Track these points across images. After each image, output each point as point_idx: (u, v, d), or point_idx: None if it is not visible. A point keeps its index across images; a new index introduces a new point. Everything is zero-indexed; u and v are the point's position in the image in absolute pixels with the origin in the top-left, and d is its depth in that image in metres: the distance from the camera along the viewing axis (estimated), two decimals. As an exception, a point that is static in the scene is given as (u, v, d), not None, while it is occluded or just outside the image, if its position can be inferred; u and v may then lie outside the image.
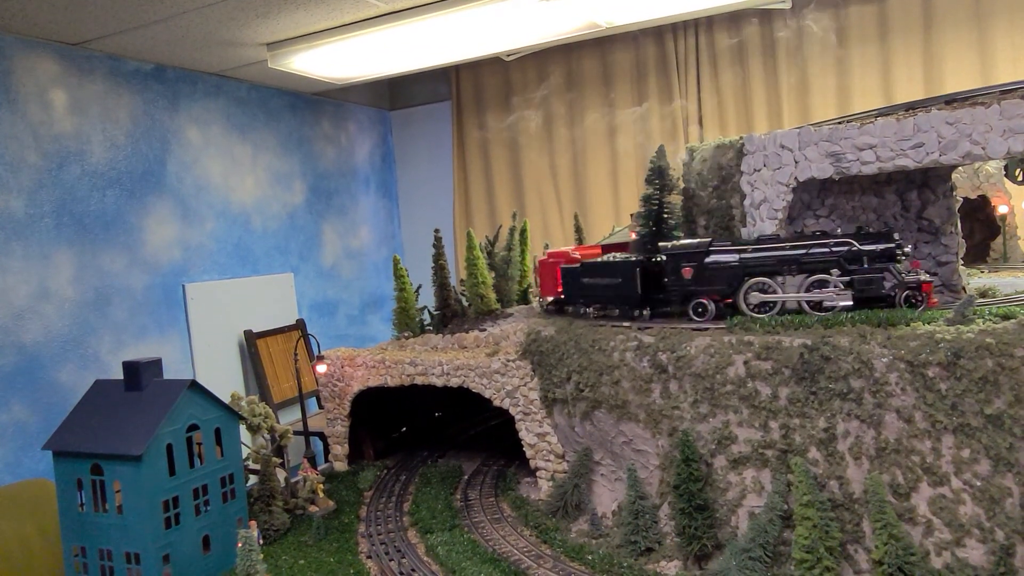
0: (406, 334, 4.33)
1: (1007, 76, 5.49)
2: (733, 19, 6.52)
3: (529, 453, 3.45)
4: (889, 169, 2.74)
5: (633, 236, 3.64)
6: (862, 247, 2.71)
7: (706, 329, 2.89)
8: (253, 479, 3.54)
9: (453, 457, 4.24)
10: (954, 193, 3.34)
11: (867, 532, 2.39)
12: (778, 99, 6.42)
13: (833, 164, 2.83)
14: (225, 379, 6.07)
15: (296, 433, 4.19)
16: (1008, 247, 4.53)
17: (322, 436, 4.90)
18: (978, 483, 2.25)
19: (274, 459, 3.53)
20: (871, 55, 6.06)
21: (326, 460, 4.34)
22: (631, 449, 3.02)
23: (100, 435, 2.79)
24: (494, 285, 4.40)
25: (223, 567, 2.97)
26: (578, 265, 3.44)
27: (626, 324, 3.15)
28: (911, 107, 2.96)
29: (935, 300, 2.73)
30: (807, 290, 2.76)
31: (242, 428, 3.32)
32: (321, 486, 3.65)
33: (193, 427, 2.91)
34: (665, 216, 3.42)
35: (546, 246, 4.78)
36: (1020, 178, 4.31)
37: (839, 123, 2.92)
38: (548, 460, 3.39)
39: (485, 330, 4.03)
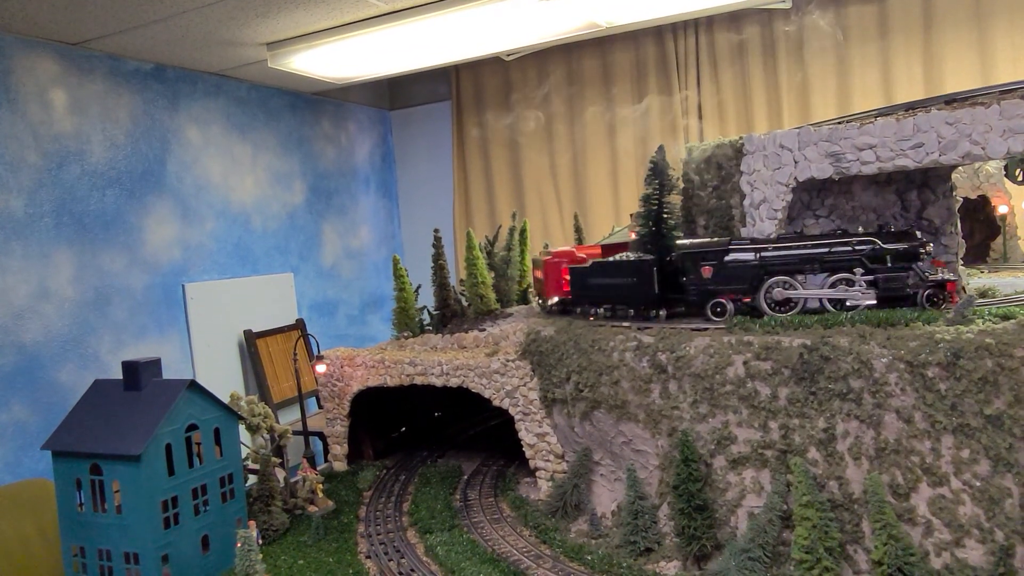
0: (405, 334, 4.33)
1: (1007, 76, 5.48)
2: (733, 19, 6.52)
3: (528, 453, 3.44)
4: (889, 169, 2.74)
5: (633, 236, 3.64)
6: (886, 246, 2.70)
7: (705, 329, 2.89)
8: (252, 479, 3.54)
9: (452, 457, 4.23)
10: (954, 193, 3.34)
11: (866, 532, 2.39)
12: (778, 99, 6.42)
13: (833, 164, 2.83)
14: (225, 379, 6.07)
15: (295, 433, 4.19)
16: (1008, 247, 4.53)
17: (321, 436, 4.90)
18: (978, 483, 2.25)
19: (273, 459, 3.53)
20: (871, 55, 6.06)
21: (325, 460, 4.34)
22: (630, 449, 3.02)
23: (99, 435, 2.79)
24: (494, 285, 4.40)
25: (222, 567, 2.96)
26: (588, 264, 3.40)
27: (646, 325, 3.08)
28: (911, 107, 2.95)
29: (957, 299, 2.72)
30: (830, 288, 2.74)
31: (241, 428, 3.32)
32: (320, 486, 3.65)
33: (192, 427, 2.91)
34: (665, 216, 3.41)
35: (545, 246, 4.78)
36: (1020, 178, 4.31)
37: (839, 123, 2.92)
38: (547, 460, 3.39)
39: (484, 330, 4.03)
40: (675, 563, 2.70)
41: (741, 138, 3.15)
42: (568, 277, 3.54)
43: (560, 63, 7.33)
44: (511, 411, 3.45)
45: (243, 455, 3.29)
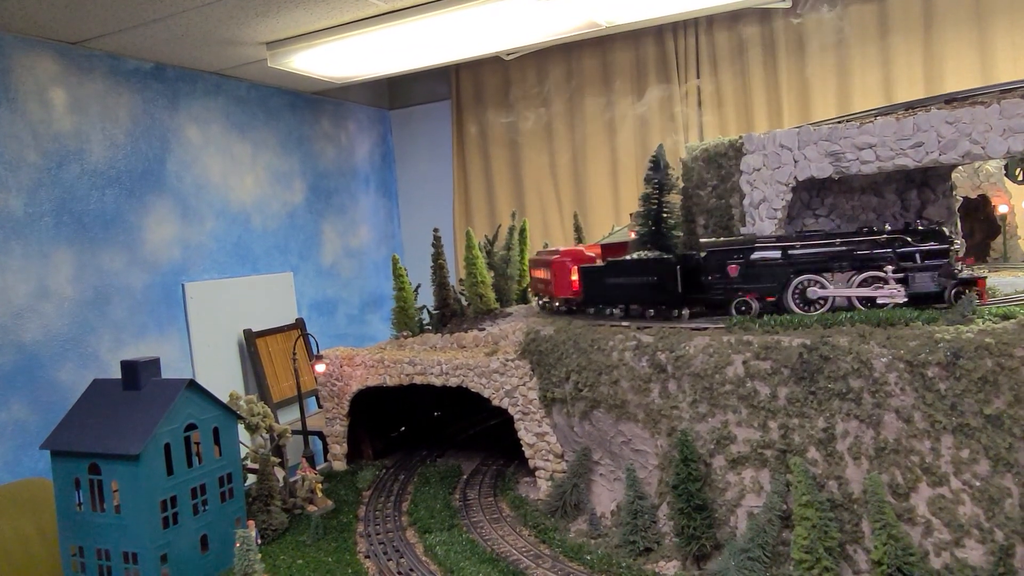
0: (405, 333, 4.33)
1: (1007, 75, 5.48)
2: (733, 18, 6.52)
3: (528, 453, 3.44)
4: (889, 168, 2.74)
5: (632, 235, 3.63)
6: (916, 243, 2.69)
7: (704, 329, 2.88)
8: (251, 478, 3.54)
9: (452, 457, 4.23)
10: (954, 192, 3.34)
11: (866, 532, 2.38)
12: (778, 98, 6.42)
13: (832, 163, 2.82)
14: (224, 378, 6.07)
15: (295, 432, 4.19)
16: (1008, 247, 4.52)
17: (321, 435, 4.90)
18: (977, 483, 2.24)
19: (272, 458, 3.52)
20: (871, 54, 6.06)
21: (325, 459, 4.33)
22: (630, 449, 3.01)
23: (98, 434, 2.78)
24: (493, 284, 4.39)
25: (221, 567, 2.96)
26: (604, 264, 3.34)
27: (671, 325, 3.03)
28: (911, 106, 2.95)
29: (987, 297, 2.70)
30: (859, 286, 2.72)
31: (240, 427, 3.31)
32: (320, 485, 3.64)
33: (191, 426, 2.91)
34: (664, 215, 3.41)
35: (545, 245, 4.78)
36: (1020, 177, 4.30)
37: (839, 122, 2.91)
38: (547, 460, 3.39)
39: (484, 330, 4.02)
40: (674, 563, 2.70)
41: (741, 137, 3.15)
42: (580, 277, 3.48)
43: (560, 62, 7.33)
44: (510, 410, 3.45)
45: (242, 455, 3.28)
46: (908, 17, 5.90)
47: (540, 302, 4.04)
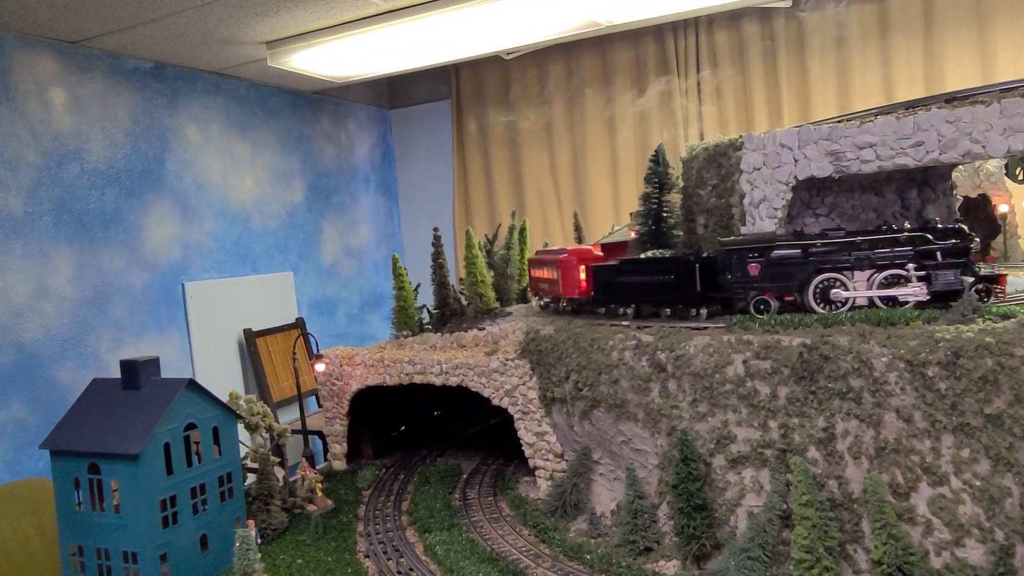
0: (405, 333, 4.33)
1: (1008, 74, 5.48)
2: (733, 17, 6.52)
3: (528, 452, 3.44)
4: (889, 168, 2.73)
5: (632, 235, 3.63)
6: (938, 241, 2.68)
7: (704, 328, 2.88)
8: (251, 478, 3.54)
9: (452, 456, 4.23)
10: (954, 192, 3.33)
11: (866, 532, 2.38)
12: (778, 97, 6.42)
13: (833, 163, 2.82)
14: (224, 378, 6.06)
15: (294, 432, 4.18)
16: (1008, 246, 4.52)
17: (321, 435, 4.90)
18: (978, 483, 2.24)
19: (272, 458, 3.52)
20: (871, 53, 6.06)
21: (325, 459, 4.33)
22: (630, 448, 3.01)
23: (97, 434, 2.78)
24: (493, 284, 4.39)
25: (221, 566, 2.96)
26: (616, 262, 3.30)
27: (691, 325, 3.00)
28: (911, 105, 2.95)
29: (1005, 295, 2.70)
30: (881, 285, 2.71)
31: (240, 427, 3.31)
32: (319, 485, 3.64)
33: (191, 426, 2.91)
34: (664, 215, 3.41)
35: (545, 244, 4.78)
36: (1021, 177, 4.30)
37: (839, 122, 2.91)
38: (547, 459, 3.39)
39: (484, 329, 4.02)
40: (674, 562, 2.70)
41: (741, 136, 3.14)
42: (590, 276, 3.44)
43: (560, 62, 7.32)
44: (510, 410, 3.44)
45: (242, 454, 3.28)
46: (908, 16, 5.90)
47: (542, 302, 4.03)
